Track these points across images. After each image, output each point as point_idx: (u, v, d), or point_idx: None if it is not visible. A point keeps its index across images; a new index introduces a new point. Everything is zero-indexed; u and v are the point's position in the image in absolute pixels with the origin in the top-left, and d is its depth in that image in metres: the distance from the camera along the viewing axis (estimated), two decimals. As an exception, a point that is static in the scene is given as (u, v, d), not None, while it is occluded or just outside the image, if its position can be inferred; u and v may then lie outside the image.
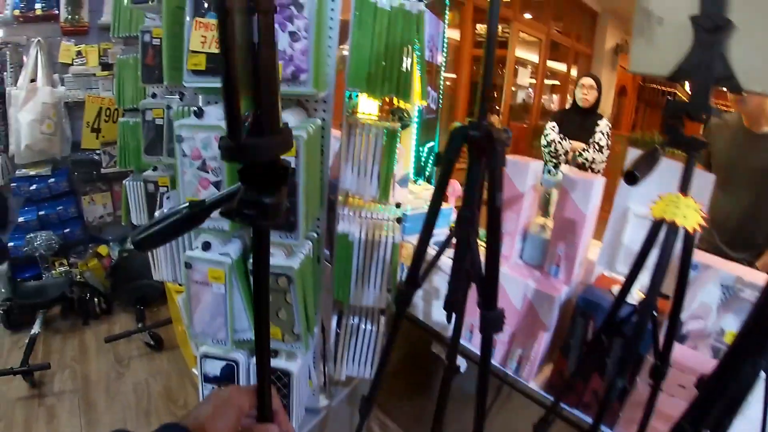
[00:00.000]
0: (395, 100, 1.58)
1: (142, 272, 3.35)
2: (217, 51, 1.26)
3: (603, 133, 3.45)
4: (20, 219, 3.41)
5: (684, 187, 1.21)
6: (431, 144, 2.95)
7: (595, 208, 1.72)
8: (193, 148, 1.32)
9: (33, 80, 3.22)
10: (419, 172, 2.84)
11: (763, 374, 0.88)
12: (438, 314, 1.99)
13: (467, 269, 1.27)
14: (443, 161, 1.19)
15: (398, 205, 1.72)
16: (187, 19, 1.32)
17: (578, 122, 3.55)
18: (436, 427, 1.66)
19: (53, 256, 3.55)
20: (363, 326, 1.74)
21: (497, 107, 7.49)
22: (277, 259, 1.34)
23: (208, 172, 1.34)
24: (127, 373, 2.98)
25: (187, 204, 0.58)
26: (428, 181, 2.91)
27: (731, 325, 1.49)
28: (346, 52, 1.53)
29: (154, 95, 2.16)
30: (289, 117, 1.29)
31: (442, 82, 3.10)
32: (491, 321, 1.22)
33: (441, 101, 3.10)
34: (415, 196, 2.36)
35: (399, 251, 1.65)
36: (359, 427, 1.66)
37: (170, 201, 1.86)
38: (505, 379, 1.82)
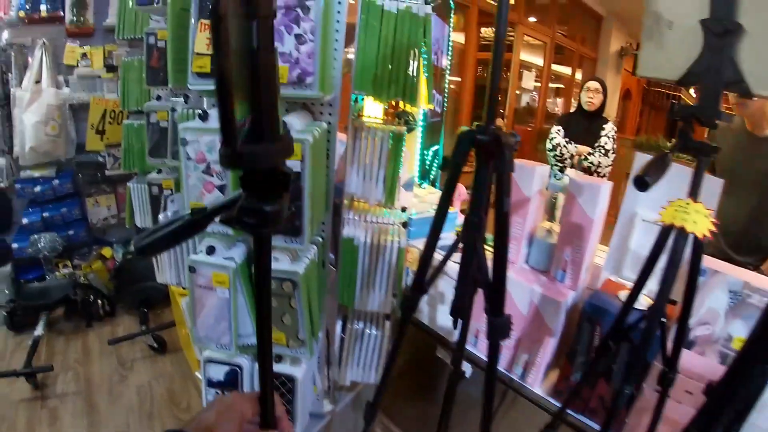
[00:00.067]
0: (401, 104, 1.57)
1: (146, 274, 3.35)
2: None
3: (609, 137, 3.44)
4: (24, 220, 3.41)
5: (694, 193, 1.20)
6: (436, 147, 2.94)
7: (602, 213, 1.71)
8: (198, 151, 1.31)
9: (38, 82, 3.22)
10: (424, 175, 2.83)
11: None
12: (443, 319, 1.97)
13: (474, 275, 1.26)
14: (450, 165, 1.18)
15: (404, 209, 1.70)
16: (192, 21, 1.32)
17: (584, 126, 3.54)
18: (441, 433, 1.65)
19: (57, 257, 3.55)
20: (368, 331, 1.73)
21: (501, 110, 7.48)
22: (281, 263, 1.33)
23: (212, 176, 1.33)
24: (130, 376, 2.97)
25: (189, 210, 0.57)
26: (433, 184, 2.90)
27: (739, 330, 1.47)
28: (350, 56, 1.52)
29: (158, 97, 2.15)
30: (295, 120, 1.28)
31: (446, 86, 3.09)
32: (498, 327, 1.21)
33: (446, 104, 3.09)
34: (420, 200, 2.35)
35: (404, 256, 1.64)
36: (364, 433, 1.65)
37: (174, 204, 1.86)
38: (510, 384, 1.80)
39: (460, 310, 1.37)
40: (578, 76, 8.70)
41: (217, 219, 0.53)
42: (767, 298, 1.44)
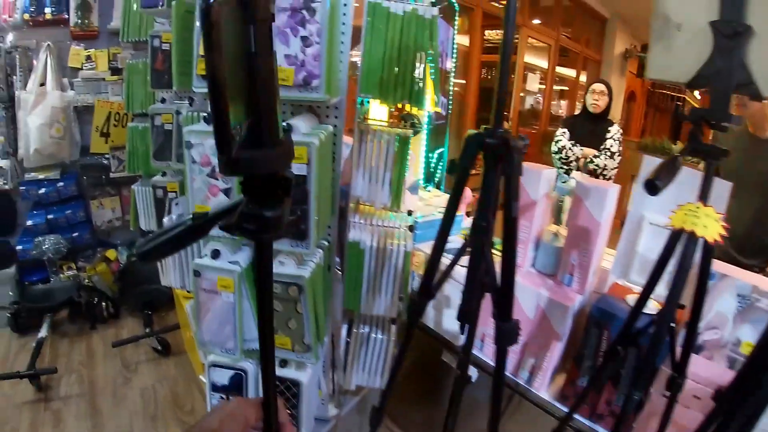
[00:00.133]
0: (406, 106, 1.56)
1: (150, 277, 3.34)
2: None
3: (614, 140, 3.42)
4: (29, 222, 3.41)
5: (703, 196, 1.19)
6: (441, 150, 2.94)
7: (609, 216, 1.70)
8: (203, 154, 1.30)
9: (42, 84, 3.22)
10: (429, 178, 2.82)
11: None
12: (448, 323, 1.96)
13: (481, 279, 1.25)
14: (458, 169, 1.17)
15: (410, 213, 1.69)
16: (197, 23, 1.31)
17: (589, 128, 3.52)
18: (447, 438, 1.64)
19: (61, 259, 3.55)
20: (373, 335, 1.72)
21: (506, 113, 7.46)
22: (287, 267, 1.32)
23: (217, 179, 1.32)
24: (134, 378, 2.97)
25: (191, 216, 0.56)
26: (437, 187, 2.89)
27: (748, 335, 1.46)
28: (354, 58, 1.51)
29: (163, 100, 2.15)
30: (301, 123, 1.27)
31: (451, 88, 3.08)
32: (507, 333, 1.20)
33: (450, 107, 3.08)
34: (425, 203, 2.34)
35: (411, 259, 1.63)
36: (369, 438, 1.64)
37: (179, 207, 1.85)
38: (516, 388, 1.79)
39: (468, 315, 1.36)
40: (582, 78, 8.68)
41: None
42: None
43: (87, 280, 3.56)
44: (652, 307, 1.44)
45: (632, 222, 1.72)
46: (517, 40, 6.81)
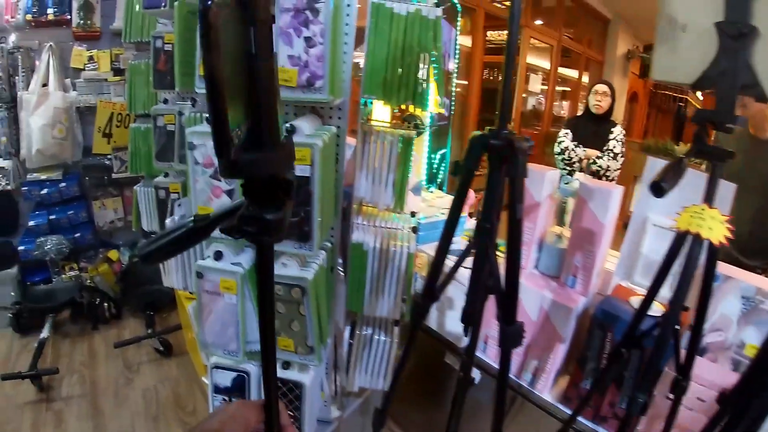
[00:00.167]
0: (411, 107, 1.56)
1: (153, 278, 3.34)
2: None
3: (617, 140, 3.42)
4: (31, 223, 3.41)
5: (709, 198, 1.18)
6: (443, 151, 2.93)
7: (613, 218, 1.69)
8: (206, 155, 1.30)
9: (45, 85, 3.22)
10: (431, 179, 2.82)
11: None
12: (451, 324, 1.96)
13: (485, 281, 1.24)
14: (462, 170, 1.16)
15: (413, 214, 1.69)
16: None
17: (592, 129, 3.52)
18: (449, 439, 1.63)
19: (63, 260, 3.55)
20: (376, 337, 1.71)
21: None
22: (290, 269, 1.32)
23: (220, 181, 1.32)
24: (136, 379, 2.97)
25: (192, 218, 0.56)
26: (440, 187, 2.89)
27: (752, 337, 1.45)
28: (356, 60, 1.50)
29: (165, 101, 2.15)
30: (304, 124, 1.27)
31: (454, 89, 3.08)
32: (511, 335, 1.19)
33: (453, 108, 3.08)
34: (428, 204, 2.34)
35: (414, 261, 1.63)
36: (372, 440, 1.64)
37: (182, 208, 1.85)
38: (519, 390, 1.78)
39: (472, 317, 1.35)
40: (585, 79, 8.68)
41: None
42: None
43: (89, 281, 3.56)
44: (656, 309, 1.44)
45: (636, 223, 1.72)
46: (519, 41, 6.79)
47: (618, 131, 3.45)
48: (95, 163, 3.60)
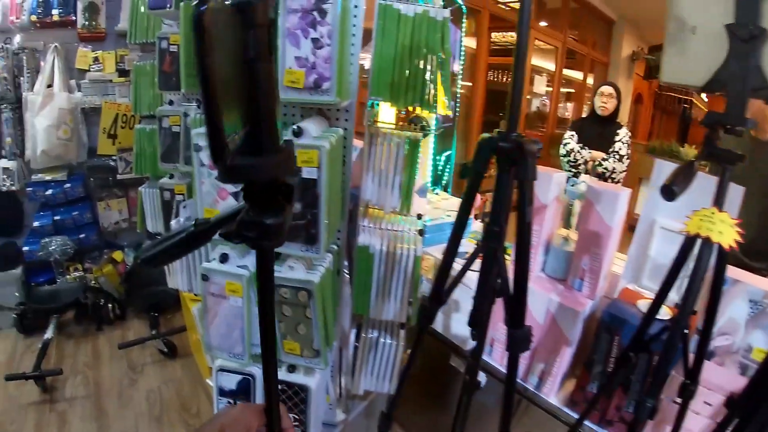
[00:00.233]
0: (418, 109, 1.55)
1: (157, 279, 3.34)
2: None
3: (623, 142, 3.40)
4: (35, 223, 3.41)
5: (719, 201, 1.17)
6: (448, 153, 2.92)
7: (620, 221, 1.68)
8: (212, 157, 1.29)
9: (50, 86, 3.22)
10: (436, 181, 2.81)
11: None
12: (457, 327, 1.95)
13: (493, 284, 1.23)
14: (471, 173, 1.15)
15: (419, 216, 1.68)
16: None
17: (597, 131, 3.50)
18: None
19: (68, 261, 3.55)
20: (382, 340, 1.70)
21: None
22: (297, 272, 1.31)
23: (226, 182, 1.31)
24: (140, 380, 2.96)
25: (194, 222, 0.57)
26: (445, 189, 2.88)
27: (760, 341, 1.44)
28: (362, 62, 1.50)
29: (171, 102, 2.14)
30: (311, 126, 1.26)
31: (459, 91, 3.07)
32: (519, 340, 1.18)
33: (458, 110, 3.07)
34: (433, 206, 2.33)
35: (420, 264, 1.62)
36: (377, 444, 1.63)
37: (187, 210, 1.84)
38: (525, 393, 1.78)
39: (479, 320, 1.34)
40: (590, 80, 8.66)
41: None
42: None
43: (93, 282, 3.56)
44: (663, 312, 1.43)
45: (644, 226, 1.70)
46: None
47: (624, 133, 3.44)
48: (100, 164, 3.60)
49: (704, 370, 1.32)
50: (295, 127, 1.21)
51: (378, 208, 1.64)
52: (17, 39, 3.23)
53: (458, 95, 3.08)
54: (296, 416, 1.47)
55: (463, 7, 2.96)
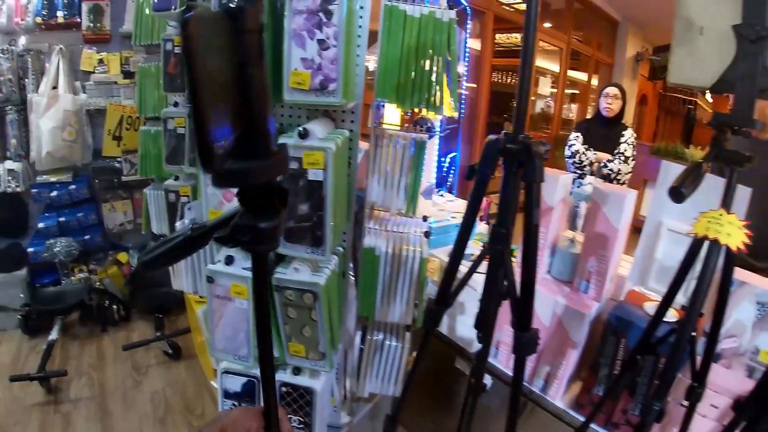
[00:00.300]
0: (423, 111, 1.54)
1: (162, 280, 3.35)
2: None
3: (628, 144, 3.39)
4: (40, 225, 3.42)
5: (726, 203, 1.17)
6: (453, 154, 2.92)
7: (627, 222, 1.67)
8: (218, 159, 1.29)
9: (54, 87, 3.23)
10: (441, 182, 2.81)
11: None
12: (462, 329, 1.95)
13: (500, 287, 1.22)
14: (478, 175, 1.14)
15: (425, 218, 1.67)
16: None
17: (602, 132, 3.49)
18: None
19: (73, 262, 3.56)
20: (388, 342, 1.69)
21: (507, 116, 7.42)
22: (302, 274, 1.30)
23: (232, 184, 1.30)
24: (144, 382, 2.96)
25: (191, 226, 0.57)
26: (450, 191, 2.88)
27: (767, 343, 1.43)
28: (367, 63, 1.49)
29: (176, 104, 2.14)
30: (317, 127, 1.25)
31: (464, 92, 3.07)
32: (526, 343, 1.18)
33: (462, 111, 3.07)
34: (438, 208, 2.32)
35: (426, 266, 1.61)
36: (382, 446, 1.62)
37: (192, 212, 1.84)
38: (530, 396, 1.77)
39: (485, 323, 1.33)
40: (594, 81, 8.64)
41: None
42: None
43: (98, 283, 3.56)
44: (670, 314, 1.42)
45: (650, 228, 1.70)
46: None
47: (629, 134, 3.43)
48: (105, 165, 3.60)
49: (711, 372, 1.31)
50: (301, 128, 1.21)
51: (384, 209, 1.64)
52: (22, 41, 3.24)
53: (463, 97, 3.08)
54: (301, 419, 1.47)
55: (468, 8, 2.96)
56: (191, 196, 2.06)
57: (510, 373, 1.59)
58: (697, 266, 1.17)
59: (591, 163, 3.42)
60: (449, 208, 2.40)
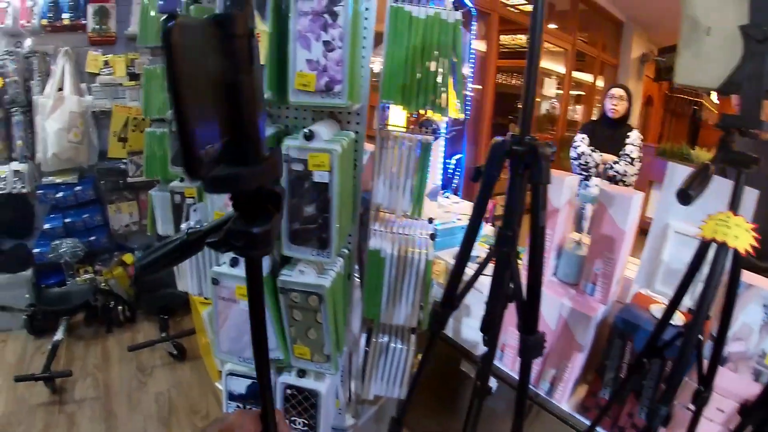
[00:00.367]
0: (429, 112, 1.54)
1: (167, 281, 3.35)
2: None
3: (634, 145, 3.37)
4: (46, 226, 3.43)
5: (734, 205, 1.16)
6: (458, 156, 2.91)
7: (633, 224, 1.66)
8: (223, 160, 1.29)
9: (60, 89, 3.23)
10: (446, 184, 2.80)
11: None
12: (468, 332, 1.94)
13: (506, 290, 1.22)
14: (484, 177, 1.14)
15: (431, 220, 1.67)
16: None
17: (608, 134, 3.47)
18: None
19: (78, 263, 3.56)
20: (393, 345, 1.69)
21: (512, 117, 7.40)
22: (307, 276, 1.30)
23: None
24: (149, 383, 2.96)
25: (185, 231, 0.57)
26: (455, 193, 2.87)
27: (774, 347, 1.43)
28: (372, 65, 1.49)
29: (181, 105, 2.13)
30: (322, 129, 1.25)
31: (469, 94, 3.06)
32: (532, 346, 1.17)
33: (468, 112, 3.06)
34: (444, 210, 2.32)
35: (432, 268, 1.60)
36: (387, 449, 1.62)
37: (197, 213, 1.84)
38: (536, 399, 1.76)
39: (491, 326, 1.33)
40: (599, 83, 8.62)
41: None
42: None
43: (103, 284, 3.57)
44: (676, 318, 1.41)
45: (657, 230, 1.69)
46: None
47: (635, 136, 3.41)
48: (110, 167, 3.61)
49: (717, 376, 1.30)
50: (306, 130, 1.20)
51: (389, 211, 1.64)
52: (28, 42, 3.24)
53: (468, 98, 3.07)
54: (306, 421, 1.46)
55: (473, 9, 2.95)
56: (197, 198, 2.06)
57: (515, 376, 1.58)
58: (704, 269, 1.16)
59: (597, 165, 3.41)
60: (455, 210, 2.39)
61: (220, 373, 1.52)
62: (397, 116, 1.69)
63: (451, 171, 2.84)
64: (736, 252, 1.12)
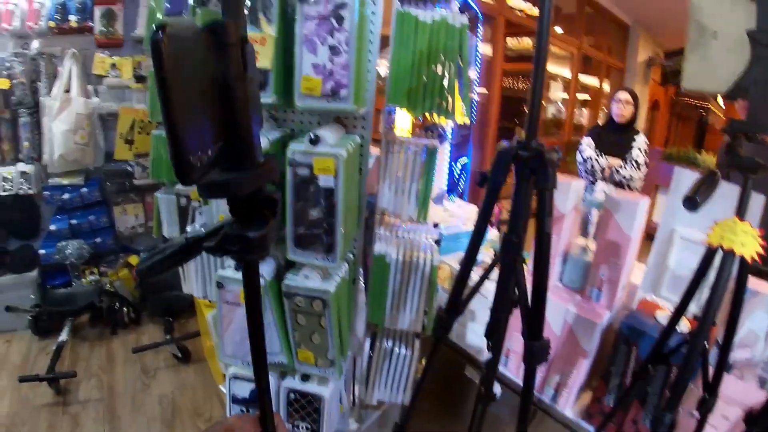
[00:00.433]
0: (434, 116, 1.53)
1: (172, 283, 3.34)
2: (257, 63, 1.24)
3: (640, 150, 3.36)
4: (52, 227, 3.44)
5: (741, 212, 1.15)
6: (464, 160, 2.91)
7: (639, 230, 1.65)
8: (229, 164, 1.29)
9: (67, 91, 3.25)
10: (452, 188, 2.80)
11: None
12: (472, 337, 1.93)
13: (511, 295, 1.21)
14: (490, 182, 1.13)
15: (436, 225, 1.66)
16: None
17: (614, 138, 3.46)
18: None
19: (84, 264, 3.57)
20: (397, 350, 1.68)
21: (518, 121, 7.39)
22: (312, 281, 1.30)
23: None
24: (153, 385, 2.96)
25: (184, 235, 0.58)
26: (461, 197, 2.86)
27: (780, 354, 1.42)
28: (378, 69, 1.49)
29: (187, 108, 2.14)
30: (328, 134, 1.25)
31: (475, 98, 3.06)
32: (536, 352, 1.16)
33: (474, 117, 3.06)
34: (449, 215, 2.31)
35: (437, 273, 1.60)
36: (391, 454, 1.61)
37: (203, 216, 1.84)
38: (540, 405, 1.75)
39: (496, 332, 1.32)
40: (606, 86, 8.60)
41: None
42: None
43: (109, 286, 3.57)
44: (682, 324, 1.41)
45: (663, 236, 1.68)
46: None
47: (641, 140, 3.39)
48: (117, 168, 3.62)
49: (722, 383, 1.29)
50: (311, 134, 1.20)
51: (394, 216, 1.63)
52: (35, 44, 3.26)
53: (474, 102, 3.07)
54: (309, 425, 1.46)
55: (479, 13, 2.95)
56: (202, 201, 2.06)
57: (520, 381, 1.58)
58: (711, 275, 1.15)
59: (603, 169, 3.39)
60: (460, 214, 2.38)
61: (224, 376, 1.52)
62: (404, 120, 1.68)
63: (457, 175, 2.84)
64: (742, 259, 1.12)
